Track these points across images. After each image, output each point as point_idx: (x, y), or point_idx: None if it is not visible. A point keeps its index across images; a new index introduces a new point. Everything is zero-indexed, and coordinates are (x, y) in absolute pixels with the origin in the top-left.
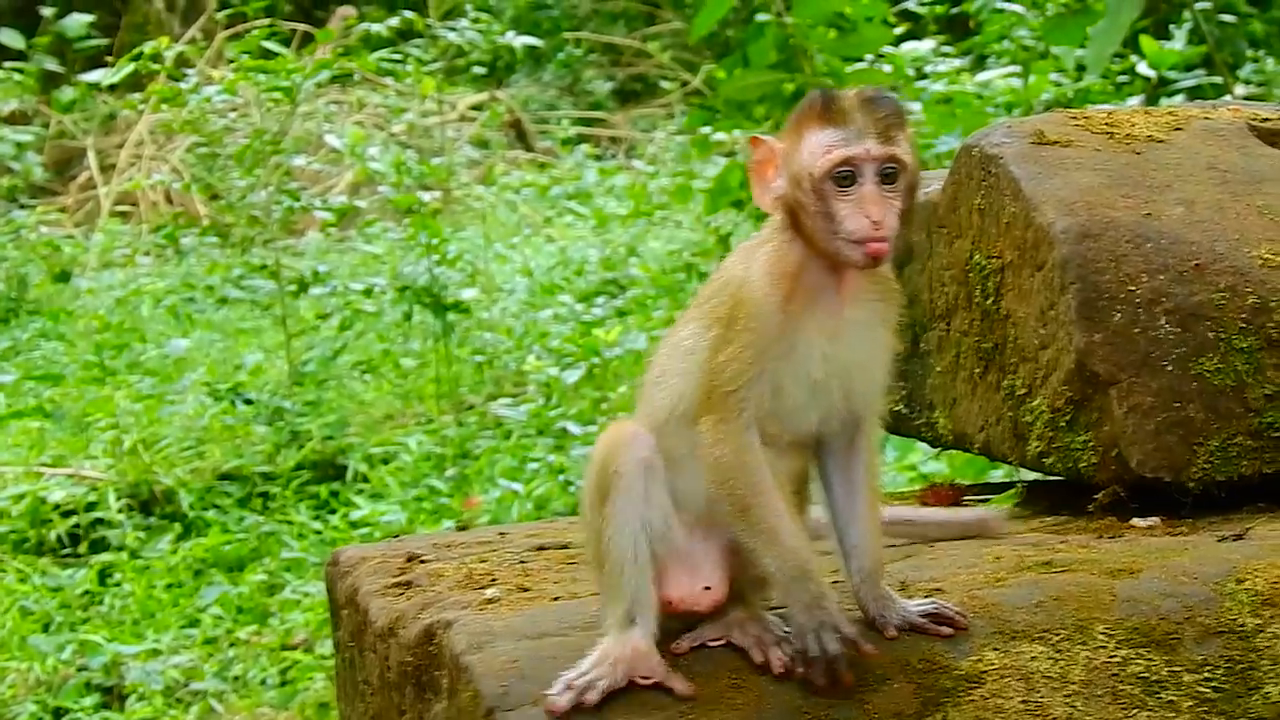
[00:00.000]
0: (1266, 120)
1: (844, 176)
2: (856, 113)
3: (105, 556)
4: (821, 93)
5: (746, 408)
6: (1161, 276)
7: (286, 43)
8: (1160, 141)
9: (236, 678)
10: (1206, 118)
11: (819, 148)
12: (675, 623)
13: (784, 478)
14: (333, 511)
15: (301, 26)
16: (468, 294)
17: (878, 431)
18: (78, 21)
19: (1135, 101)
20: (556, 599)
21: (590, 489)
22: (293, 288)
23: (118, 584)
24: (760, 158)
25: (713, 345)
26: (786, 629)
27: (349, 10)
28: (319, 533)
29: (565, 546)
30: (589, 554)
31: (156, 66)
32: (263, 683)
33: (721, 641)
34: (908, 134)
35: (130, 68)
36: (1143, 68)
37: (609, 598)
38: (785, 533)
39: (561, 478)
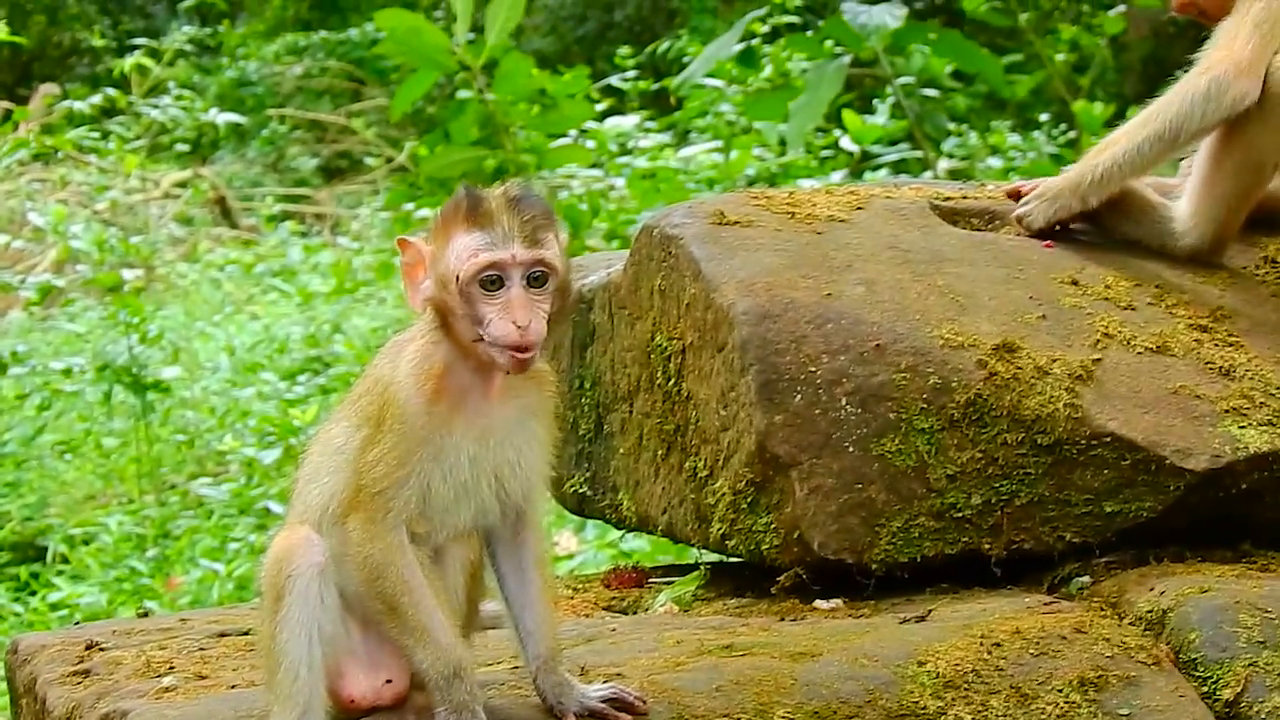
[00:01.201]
0: (948, 199)
1: (491, 280)
2: (503, 215)
3: None
4: (467, 192)
5: (393, 508)
6: (842, 357)
7: None
8: (842, 221)
9: None
10: (889, 197)
11: (465, 251)
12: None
13: (454, 577)
14: (33, 593)
15: (2, 104)
16: (169, 373)
17: (541, 519)
18: None
19: (839, 176)
20: (234, 687)
21: (263, 595)
22: None
23: None
24: (409, 260)
25: (361, 444)
26: None
27: (51, 88)
28: (19, 615)
29: (246, 633)
30: (261, 659)
31: None
32: None
33: None
34: (557, 234)
35: None
36: (846, 142)
37: (280, 705)
38: (436, 630)
39: (263, 558)
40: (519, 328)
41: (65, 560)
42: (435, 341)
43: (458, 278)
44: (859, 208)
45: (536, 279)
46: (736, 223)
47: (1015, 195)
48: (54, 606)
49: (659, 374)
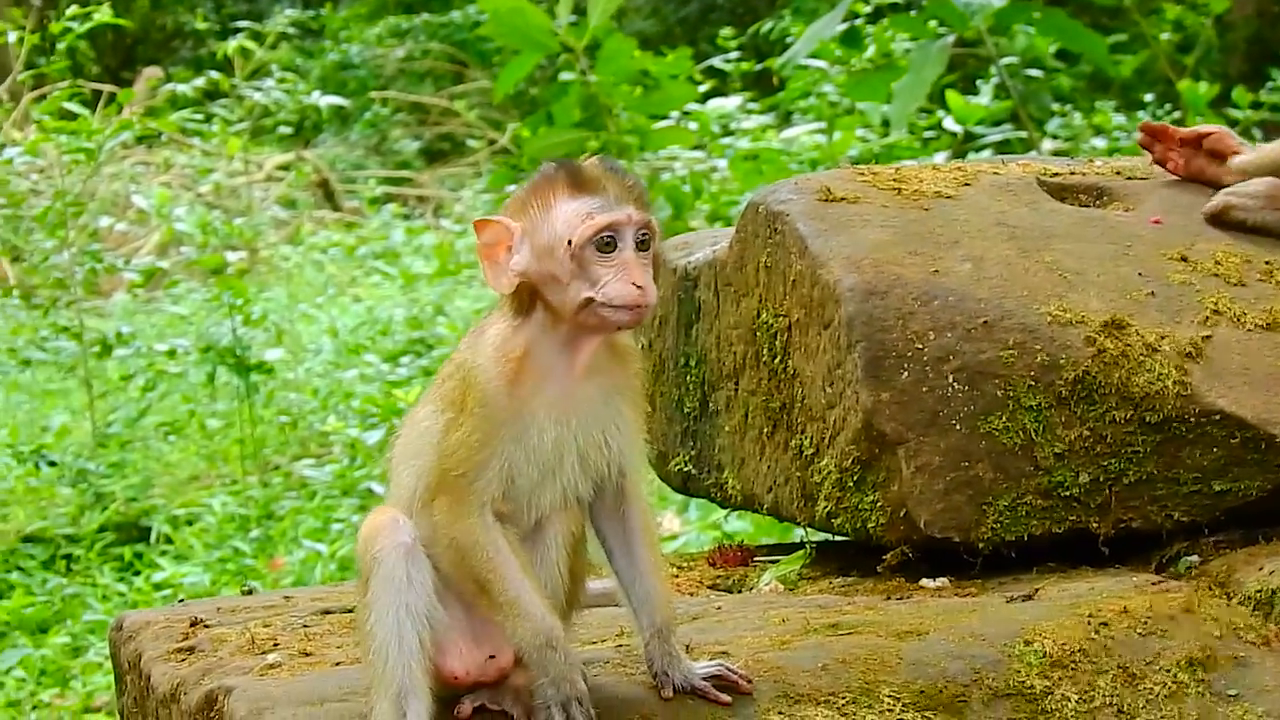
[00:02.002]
0: (1056, 175)
1: (606, 242)
2: (607, 180)
3: None
4: (560, 163)
5: (477, 490)
6: (949, 334)
7: (93, 104)
8: (949, 197)
9: None
10: (996, 173)
11: (576, 215)
12: (466, 693)
13: (554, 550)
14: (137, 573)
15: (107, 87)
16: (272, 354)
17: (643, 492)
18: None
19: (942, 157)
20: (338, 664)
21: (357, 577)
22: (96, 349)
23: None
24: (490, 239)
25: (445, 428)
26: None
27: (155, 71)
28: (123, 595)
29: (350, 611)
30: (358, 640)
31: None
32: None
33: (498, 707)
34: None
35: None
36: (949, 123)
37: (377, 688)
38: (527, 605)
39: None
40: (639, 287)
41: (169, 541)
42: (516, 324)
43: (570, 242)
44: (966, 184)
45: (642, 242)
46: (843, 199)
47: (1150, 133)
48: (158, 586)
49: (765, 351)
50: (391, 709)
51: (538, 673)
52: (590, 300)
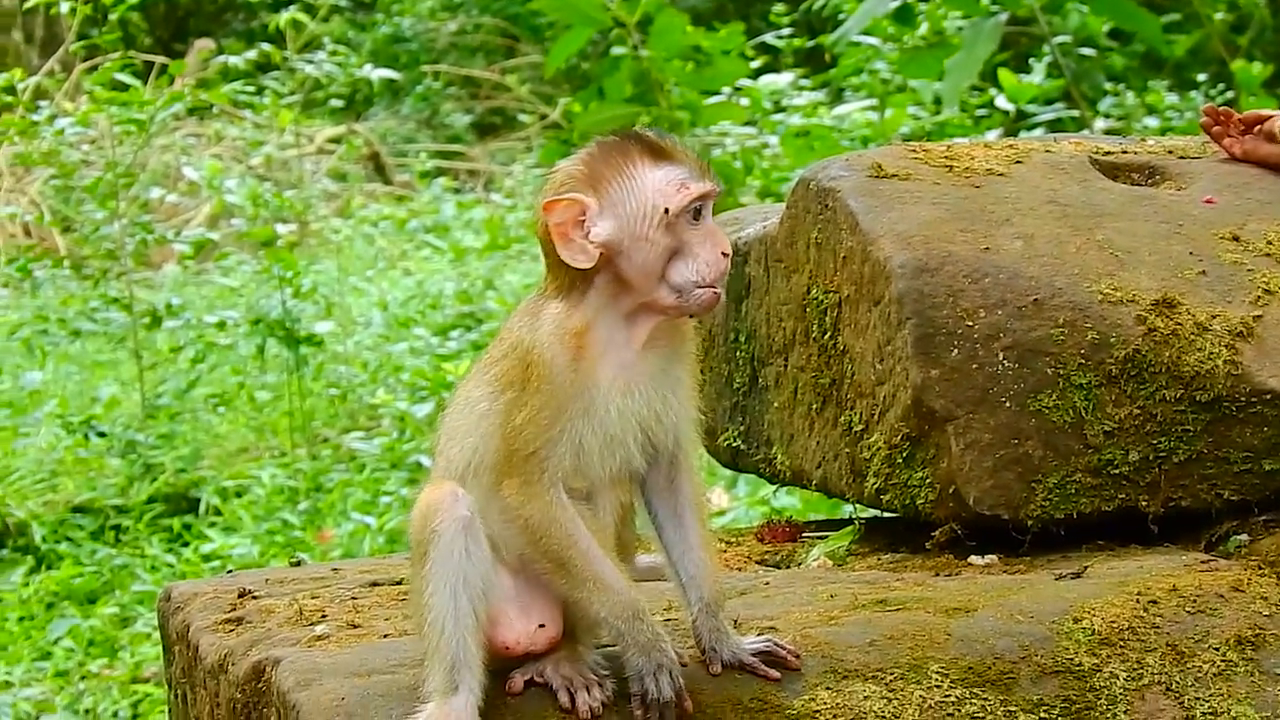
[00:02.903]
0: (1108, 154)
1: (697, 211)
2: (682, 150)
3: None
4: (630, 135)
5: (548, 468)
6: (1000, 312)
7: (145, 75)
8: (1000, 175)
9: (88, 711)
10: (1048, 151)
11: (670, 185)
12: (517, 665)
13: (607, 521)
14: (185, 544)
15: (159, 59)
16: (322, 327)
17: (695, 464)
18: None
19: (994, 135)
20: (386, 636)
21: (411, 550)
22: (146, 320)
23: None
24: (564, 217)
25: (507, 409)
26: (606, 671)
27: (206, 43)
28: (171, 566)
29: (399, 582)
30: (412, 613)
31: (10, 99)
32: (114, 716)
33: (544, 680)
34: None
35: None
36: (1001, 101)
37: (431, 660)
38: (608, 577)
39: (412, 512)
40: (725, 255)
41: (218, 512)
42: (572, 301)
43: (667, 210)
44: (1018, 161)
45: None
46: (894, 175)
47: (1213, 116)
48: (206, 558)
49: (814, 327)
50: (445, 681)
51: (626, 644)
52: (662, 277)
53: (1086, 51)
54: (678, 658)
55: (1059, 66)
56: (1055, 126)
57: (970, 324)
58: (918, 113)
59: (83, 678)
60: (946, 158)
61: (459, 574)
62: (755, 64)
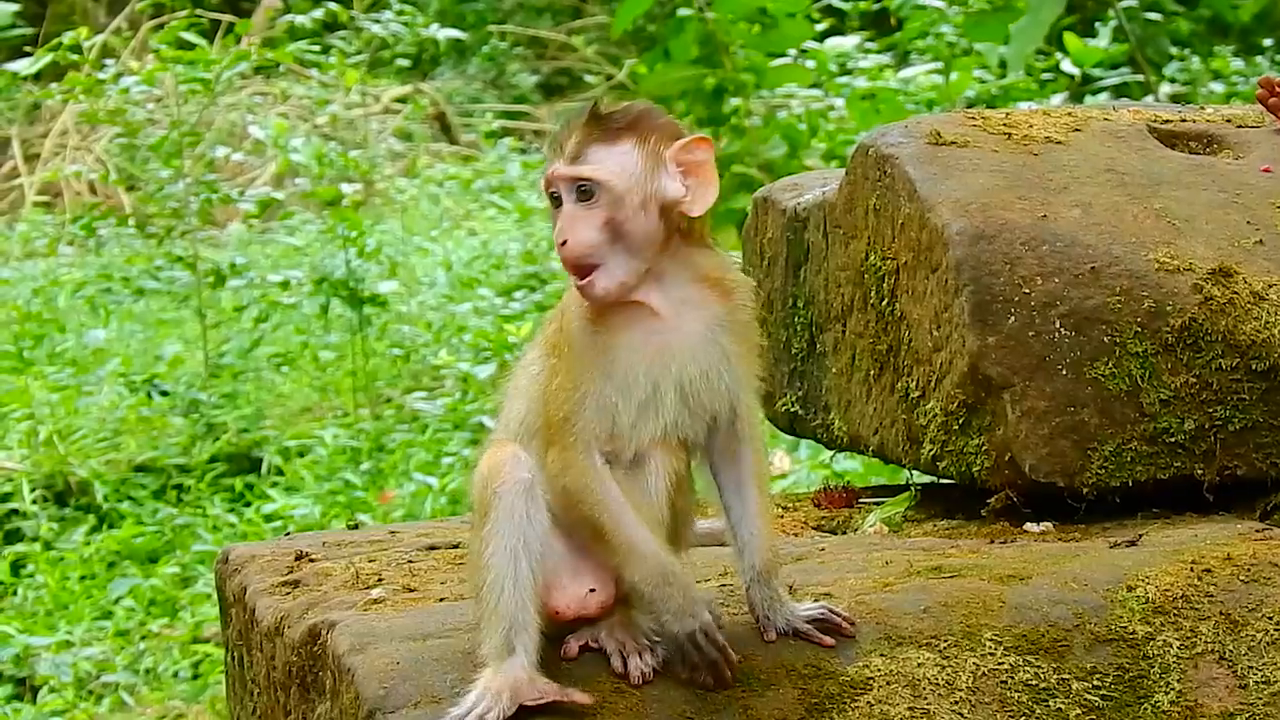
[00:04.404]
0: (1166, 122)
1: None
2: None
3: (19, 547)
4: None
5: (579, 432)
6: (1057, 279)
7: (211, 34)
8: (1058, 143)
9: (148, 670)
10: (1106, 119)
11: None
12: (569, 630)
13: (659, 487)
14: (247, 504)
15: (226, 17)
16: (386, 287)
17: (754, 432)
18: (3, 11)
19: (1059, 99)
20: (442, 600)
21: (473, 510)
22: (210, 279)
23: (30, 575)
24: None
25: (548, 375)
26: (659, 637)
27: (273, 1)
28: (233, 525)
29: (455, 546)
30: (469, 574)
31: (76, 57)
32: (174, 675)
33: (598, 645)
34: None
35: (49, 58)
36: (1067, 65)
37: (487, 622)
38: (640, 543)
39: (474, 473)
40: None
41: (280, 472)
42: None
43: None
44: (1076, 129)
45: None
46: (953, 143)
47: (1268, 87)
48: (268, 518)
49: (872, 293)
50: (501, 643)
51: (659, 609)
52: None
53: (1152, 16)
54: (715, 619)
55: (1124, 31)
56: (1120, 91)
57: (1027, 291)
58: (983, 76)
59: (143, 637)
60: (1005, 125)
61: (519, 536)
62: (821, 26)
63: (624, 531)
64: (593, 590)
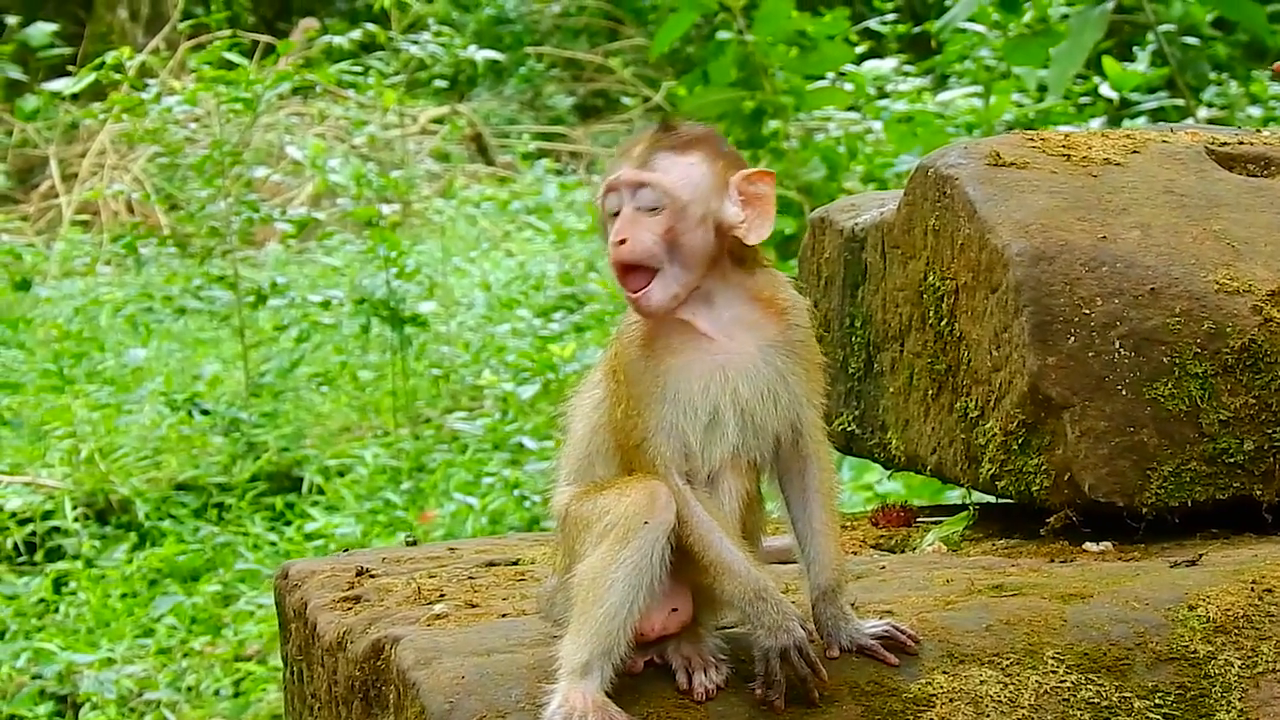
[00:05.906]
0: (1224, 144)
1: None
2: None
3: (61, 565)
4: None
5: (657, 456)
6: (1116, 300)
7: (249, 54)
8: (1117, 164)
9: (190, 688)
10: (1164, 141)
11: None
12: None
13: (732, 506)
14: (288, 523)
15: (264, 38)
16: (425, 307)
17: (819, 449)
18: (41, 30)
19: (1097, 123)
20: (504, 615)
21: (598, 526)
22: (250, 299)
23: (73, 593)
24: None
25: (611, 400)
26: (725, 654)
27: (311, 22)
28: (274, 544)
29: (515, 563)
30: (578, 588)
31: (118, 76)
32: (216, 693)
33: (663, 661)
34: None
35: (91, 77)
36: (1105, 89)
37: (581, 636)
38: (733, 560)
39: (517, 492)
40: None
41: (320, 491)
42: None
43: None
44: (1135, 151)
45: None
46: (1012, 164)
47: None
48: (309, 537)
49: (931, 314)
50: (585, 662)
51: (753, 626)
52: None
53: (1191, 40)
54: (808, 635)
55: (1163, 55)
56: (1158, 115)
57: (1087, 312)
58: (1021, 100)
59: (185, 655)
60: (1064, 147)
61: (650, 574)
62: (859, 49)
63: (715, 549)
64: (675, 610)
